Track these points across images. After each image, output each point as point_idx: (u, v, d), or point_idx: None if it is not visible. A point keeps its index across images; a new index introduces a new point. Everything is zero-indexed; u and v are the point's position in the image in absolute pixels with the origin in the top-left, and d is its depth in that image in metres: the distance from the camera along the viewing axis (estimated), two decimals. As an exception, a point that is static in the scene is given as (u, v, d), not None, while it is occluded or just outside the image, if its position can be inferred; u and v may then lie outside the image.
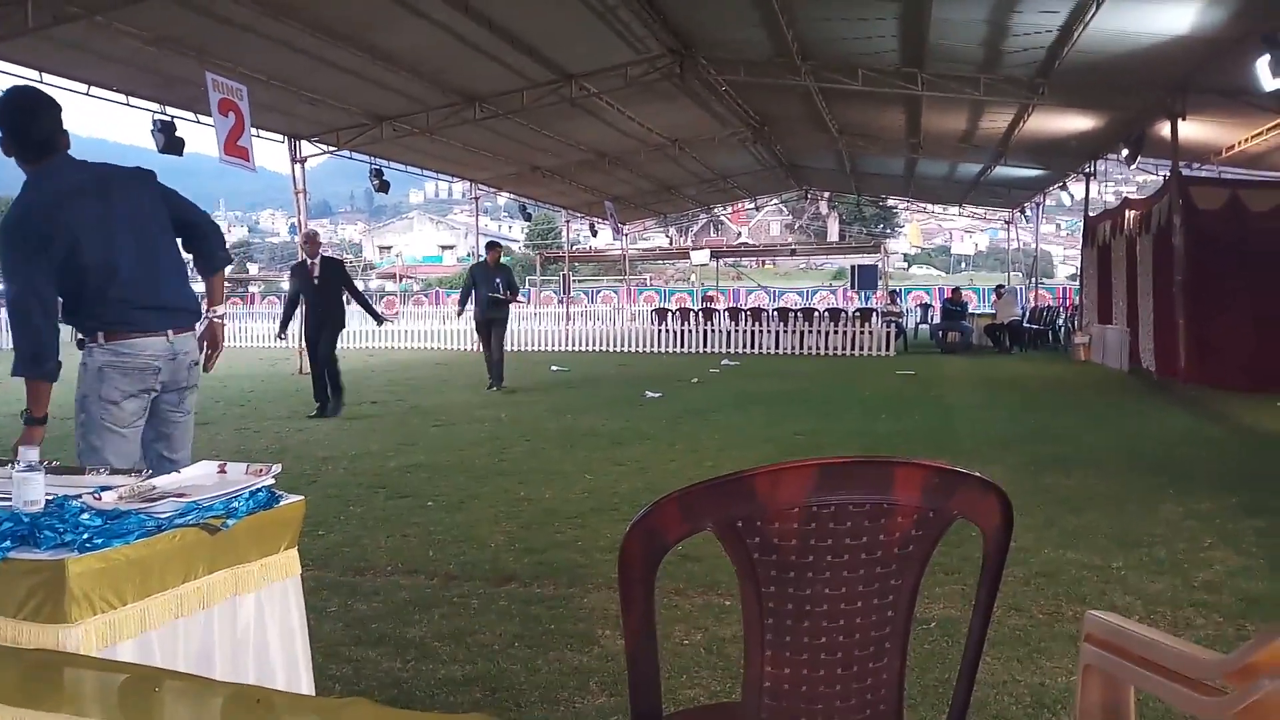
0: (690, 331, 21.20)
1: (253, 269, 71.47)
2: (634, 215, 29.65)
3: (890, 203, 35.99)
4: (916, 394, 12.33)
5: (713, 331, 21.10)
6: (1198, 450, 7.76)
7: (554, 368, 16.59)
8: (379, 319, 12.57)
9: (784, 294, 40.83)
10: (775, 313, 22.50)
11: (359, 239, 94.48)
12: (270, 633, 2.10)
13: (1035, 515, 5.23)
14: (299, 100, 13.92)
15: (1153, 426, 9.17)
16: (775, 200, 37.71)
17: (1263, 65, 9.56)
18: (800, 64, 13.49)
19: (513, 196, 24.99)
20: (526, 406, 10.91)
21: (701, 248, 39.24)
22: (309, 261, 10.19)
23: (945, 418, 10.01)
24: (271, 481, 2.12)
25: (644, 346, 21.37)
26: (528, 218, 27.10)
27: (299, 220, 17.20)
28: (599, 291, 43.80)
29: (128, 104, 13.00)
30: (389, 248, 77.47)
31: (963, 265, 73.15)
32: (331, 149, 16.80)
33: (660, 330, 21.50)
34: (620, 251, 34.02)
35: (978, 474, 1.42)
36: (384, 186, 18.11)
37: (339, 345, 10.42)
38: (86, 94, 12.27)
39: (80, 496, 1.94)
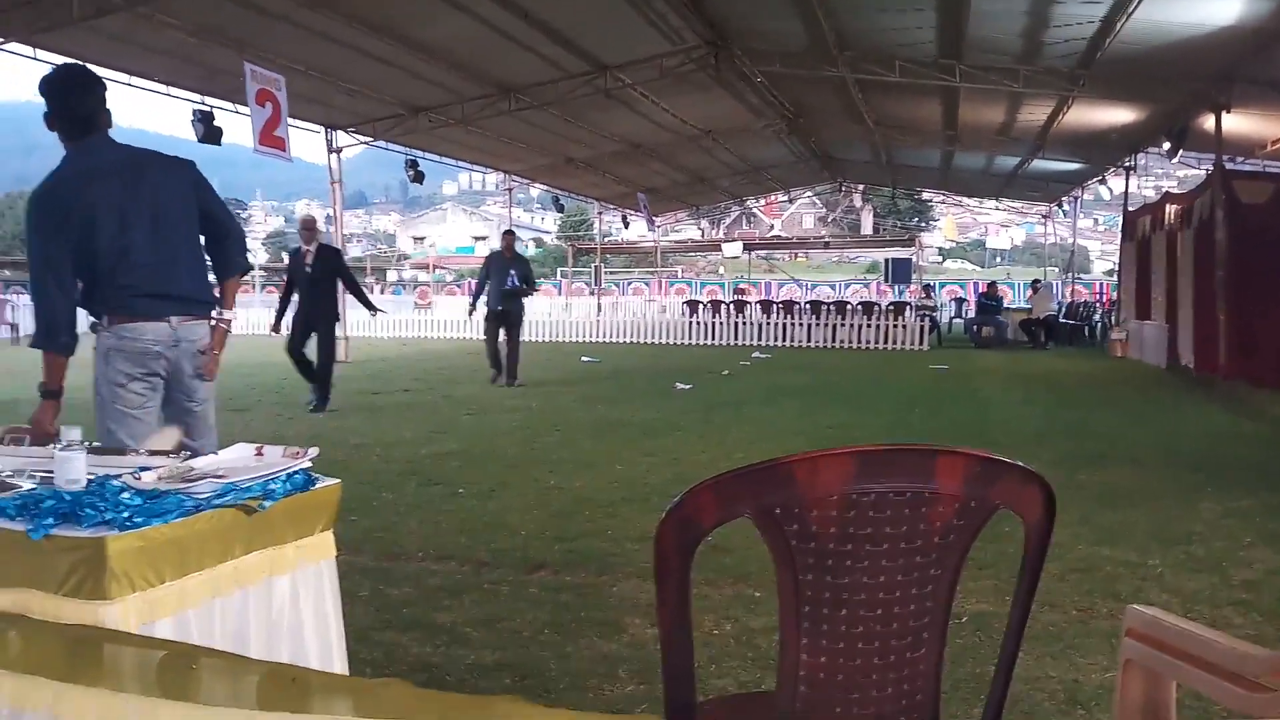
0: (721, 323, 21.15)
1: (287, 259, 72.07)
2: (666, 207, 29.60)
3: (925, 196, 35.76)
4: (950, 388, 12.23)
5: (744, 324, 21.04)
6: (1237, 447, 7.63)
7: (585, 358, 16.62)
8: (373, 309, 11.72)
9: (816, 287, 40.62)
10: (807, 305, 22.39)
11: (393, 229, 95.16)
12: (305, 614, 2.11)
13: (1071, 511, 5.17)
14: (336, 91, 14.03)
15: (1191, 423, 9.03)
16: (809, 193, 37.50)
17: (1311, 57, 9.36)
18: (837, 55, 13.38)
19: (546, 188, 25.03)
20: (557, 396, 10.93)
21: (734, 240, 39.09)
22: (303, 249, 9.60)
23: (979, 412, 9.92)
24: (309, 464, 2.13)
25: (675, 338, 21.35)
26: (560, 209, 27.11)
27: (334, 211, 17.36)
28: (630, 283, 43.80)
29: (168, 94, 13.16)
30: (423, 238, 77.89)
31: (998, 260, 72.41)
32: (368, 139, 16.91)
33: (691, 322, 21.47)
34: (652, 244, 33.98)
35: (1020, 463, 1.40)
36: (419, 177, 18.21)
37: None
38: (129, 84, 12.44)
39: (120, 476, 1.96)
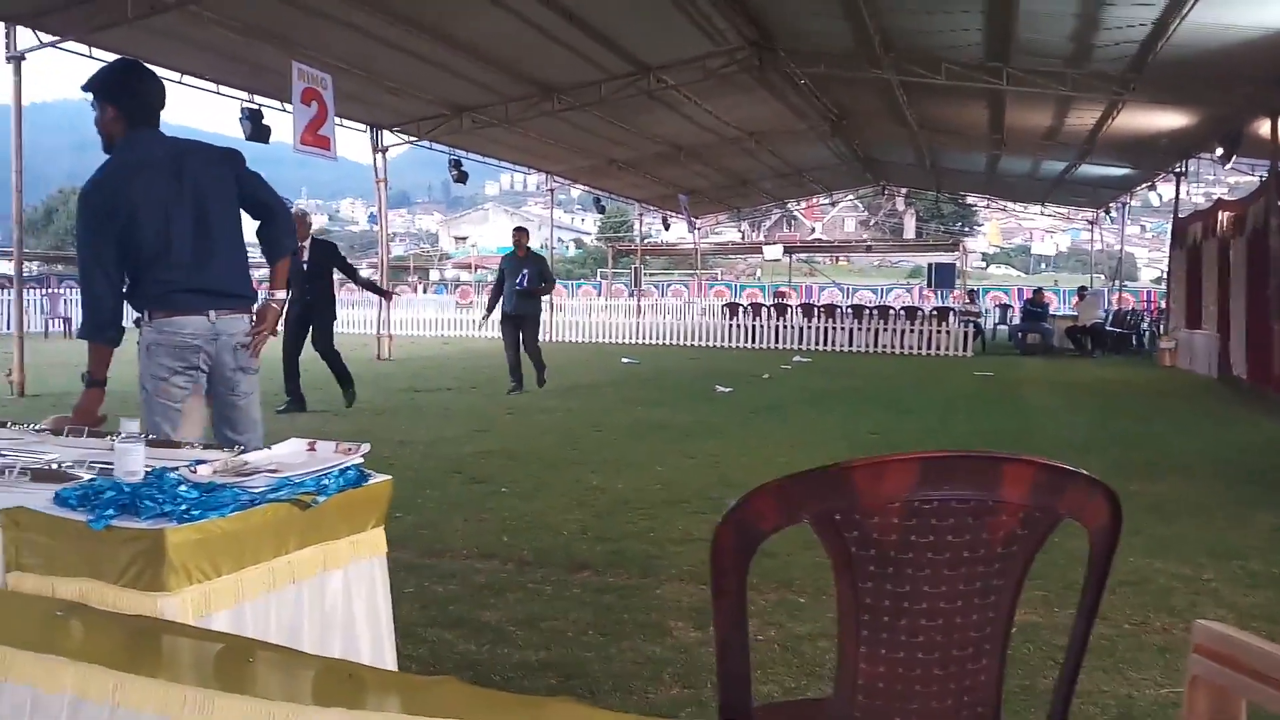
0: (761, 327, 21.06)
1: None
2: (707, 209, 29.54)
3: (969, 200, 35.33)
4: (995, 395, 12.08)
5: (784, 327, 20.93)
6: (1293, 461, 7.46)
7: (625, 360, 16.63)
8: (385, 295, 11.62)
9: (857, 291, 40.31)
10: (849, 309, 22.23)
11: (436, 229, 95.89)
12: (356, 609, 2.12)
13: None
14: (381, 90, 14.17)
15: (1244, 435, 8.85)
16: (851, 196, 37.22)
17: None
18: (882, 56, 13.27)
19: (587, 189, 25.08)
20: (597, 397, 10.94)
21: (774, 243, 38.90)
22: (298, 244, 8.74)
23: (1025, 420, 9.79)
24: (361, 460, 2.14)
25: (714, 341, 21.30)
26: (601, 210, 27.19)
27: (379, 210, 17.54)
28: (669, 285, 43.75)
29: (218, 92, 13.36)
30: (464, 238, 78.48)
31: (1043, 266, 71.50)
32: (412, 139, 17.05)
33: (731, 325, 21.40)
34: (692, 245, 33.93)
35: (1085, 472, 1.37)
36: (462, 177, 18.33)
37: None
38: (179, 82, 12.63)
39: (177, 469, 1.98)
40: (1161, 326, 19.57)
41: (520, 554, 4.46)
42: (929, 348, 19.51)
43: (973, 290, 28.18)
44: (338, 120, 12.25)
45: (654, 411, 9.70)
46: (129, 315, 3.27)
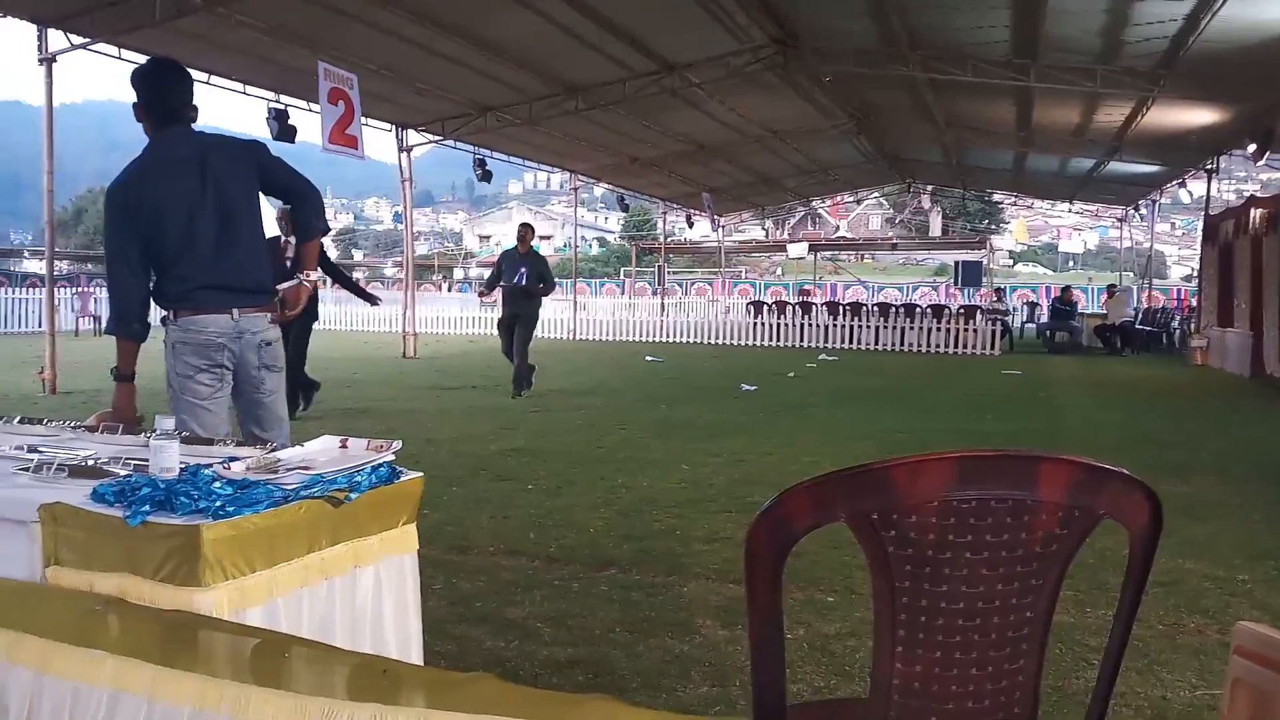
0: (786, 325, 20.99)
1: (357, 255, 73.43)
2: (731, 207, 29.48)
3: (996, 198, 35.07)
4: (1023, 394, 11.98)
5: (809, 325, 20.86)
6: (1328, 461, 7.35)
7: (648, 358, 16.62)
8: (370, 299, 11.27)
9: (882, 289, 40.13)
10: (875, 308, 22.13)
11: (459, 228, 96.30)
12: (386, 606, 2.13)
13: (1152, 522, 5.02)
14: (406, 89, 14.23)
15: (1279, 434, 8.72)
16: (876, 194, 37.06)
17: None
18: (908, 54, 13.19)
19: (611, 187, 25.09)
20: (622, 395, 10.95)
21: (799, 241, 38.80)
22: (282, 239, 8.08)
23: (1054, 419, 9.71)
24: (392, 457, 2.15)
25: (739, 339, 21.25)
26: (625, 209, 27.15)
27: (404, 209, 17.61)
28: (693, 284, 43.72)
29: (245, 93, 13.46)
30: (488, 237, 78.78)
31: (1070, 263, 70.84)
32: (437, 138, 17.12)
33: (755, 323, 21.35)
34: (716, 244, 33.89)
35: (1124, 471, 1.35)
36: (487, 176, 18.39)
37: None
38: (207, 83, 12.74)
39: (211, 466, 2.00)
40: (1192, 325, 19.34)
41: (547, 551, 4.46)
42: (956, 346, 19.38)
43: (1000, 288, 27.96)
44: (363, 120, 12.32)
45: (678, 410, 9.70)
46: (156, 313, 3.31)
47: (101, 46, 11.08)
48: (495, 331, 11.05)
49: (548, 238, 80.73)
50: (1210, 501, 5.71)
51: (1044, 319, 23.26)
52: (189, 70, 3.45)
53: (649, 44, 13.49)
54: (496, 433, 7.98)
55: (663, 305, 28.04)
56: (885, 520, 1.30)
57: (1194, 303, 21.00)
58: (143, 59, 11.18)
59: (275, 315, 3.40)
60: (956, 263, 32.84)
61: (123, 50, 11.23)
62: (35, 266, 35.56)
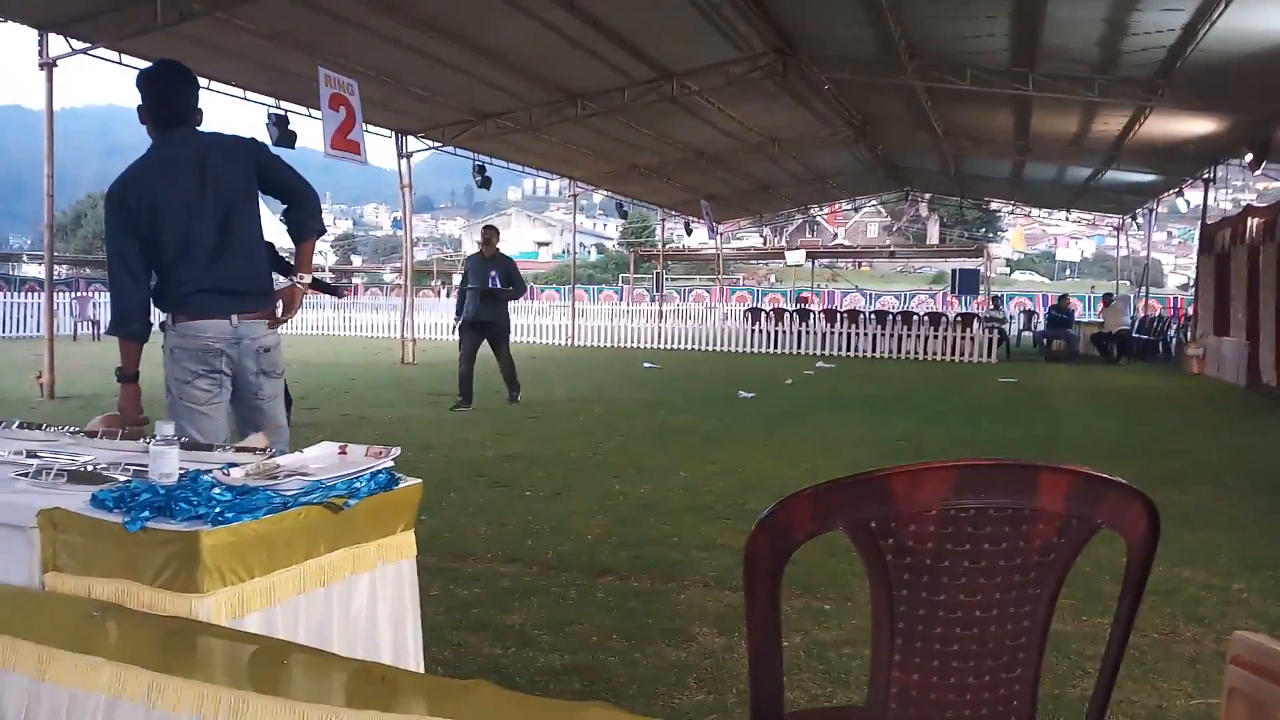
0: (784, 332, 21.02)
1: (356, 261, 73.43)
2: (729, 214, 29.50)
3: (993, 206, 35.12)
4: (1020, 402, 11.99)
5: (807, 333, 20.88)
6: (1325, 471, 7.36)
7: (646, 364, 16.63)
8: (335, 292, 11.11)
9: (880, 297, 40.18)
10: (872, 315, 22.15)
11: (458, 234, 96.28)
12: (384, 613, 2.13)
13: (1149, 531, 5.02)
14: (406, 96, 14.24)
15: (1275, 443, 8.75)
16: (874, 201, 37.11)
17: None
18: (907, 63, 13.22)
19: (609, 194, 25.09)
20: (619, 402, 10.95)
21: (797, 248, 38.84)
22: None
23: (1051, 427, 9.71)
24: (391, 464, 2.15)
25: (737, 346, 21.27)
26: (623, 215, 27.19)
27: (404, 215, 17.62)
28: (691, 290, 43.76)
29: (245, 98, 13.47)
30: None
31: (1067, 272, 70.95)
32: (436, 144, 17.13)
33: (753, 330, 21.37)
34: (714, 251, 33.92)
35: (1123, 480, 1.36)
36: (486, 183, 18.40)
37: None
38: (207, 88, 12.73)
39: (210, 471, 2.00)
40: (1189, 333, 19.38)
41: (544, 558, 4.46)
42: (953, 354, 19.41)
43: (997, 296, 27.99)
44: (364, 126, 12.32)
45: (676, 416, 9.70)
46: (156, 315, 3.31)
47: (102, 51, 11.08)
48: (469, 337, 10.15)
49: (546, 244, 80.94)
50: (1207, 510, 5.72)
51: (1041, 327, 23.29)
52: (195, 75, 3.46)
53: (649, 52, 13.51)
54: (494, 439, 7.98)
55: (661, 312, 28.05)
56: (884, 529, 1.31)
57: (1190, 312, 21.04)
58: (143, 64, 11.24)
59: (272, 320, 3.41)
60: (954, 270, 32.91)
61: (124, 55, 11.25)
62: (34, 271, 35.54)
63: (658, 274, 34.79)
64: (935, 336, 19.81)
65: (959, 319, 21.18)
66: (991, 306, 24.97)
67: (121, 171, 3.29)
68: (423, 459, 6.93)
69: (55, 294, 11.88)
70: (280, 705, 1.40)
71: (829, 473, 1.35)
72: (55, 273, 12.03)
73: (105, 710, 1.52)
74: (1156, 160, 17.66)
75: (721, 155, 20.80)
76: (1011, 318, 27.56)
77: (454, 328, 10.77)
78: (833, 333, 20.69)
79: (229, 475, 1.99)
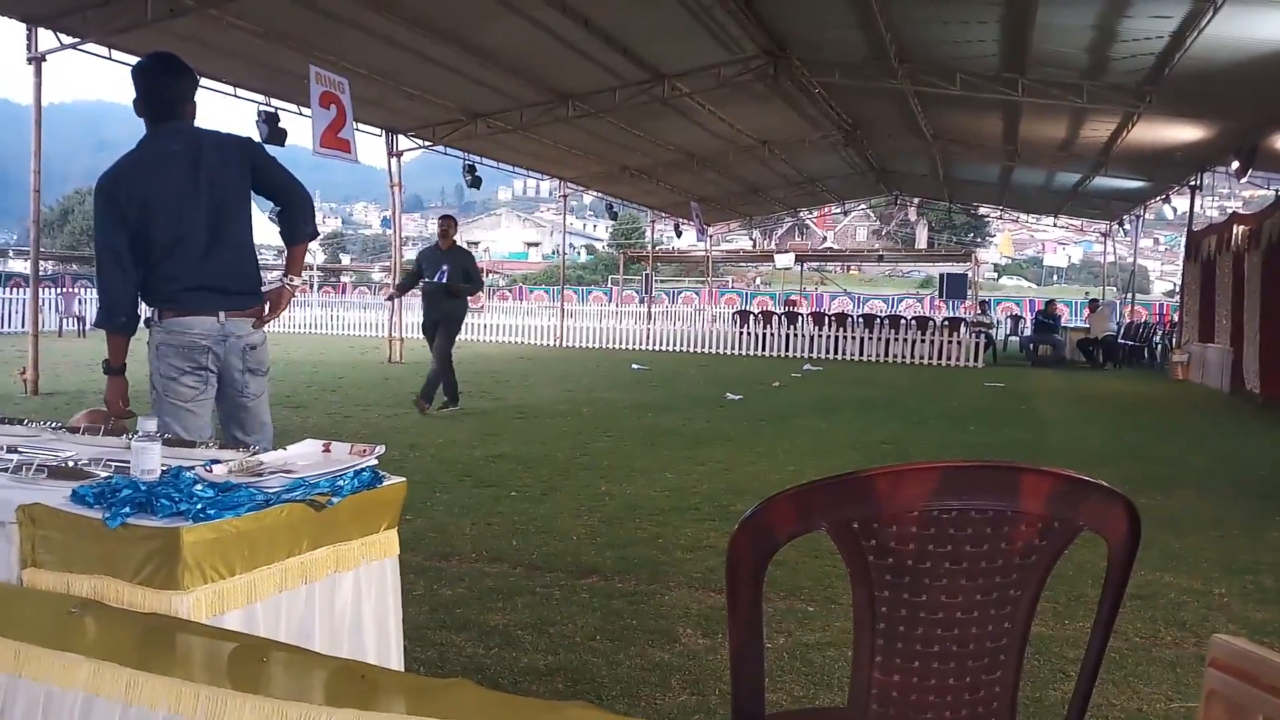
0: (772, 335, 21.04)
1: (345, 259, 73.21)
2: (719, 217, 29.54)
3: (982, 211, 35.26)
4: (1006, 406, 12.04)
5: (795, 335, 20.91)
6: (1307, 477, 7.41)
7: (635, 366, 16.62)
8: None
9: (868, 300, 40.28)
10: (860, 319, 22.20)
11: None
12: (366, 611, 2.12)
13: (1133, 536, 5.04)
14: (397, 95, 14.21)
15: (1257, 449, 8.80)
16: (863, 205, 37.19)
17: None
18: (897, 67, 13.26)
19: (600, 195, 25.09)
20: (608, 403, 10.94)
21: (786, 251, 38.88)
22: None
23: (1036, 432, 9.75)
24: (375, 461, 2.14)
25: (725, 348, 21.28)
26: (614, 216, 27.16)
27: (393, 214, 17.56)
28: (680, 292, 43.77)
29: (235, 95, 13.41)
30: (477, 243, 78.62)
31: (1054, 277, 71.26)
32: (427, 144, 17.09)
33: (741, 333, 21.39)
34: (704, 253, 33.94)
35: (1104, 483, 1.36)
36: (476, 182, 18.36)
37: None
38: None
39: (193, 468, 1.99)
40: (1174, 340, 19.48)
41: (529, 558, 4.46)
42: (940, 358, 19.46)
43: (984, 301, 28.10)
44: (355, 125, 12.28)
45: (664, 418, 9.70)
46: (143, 311, 3.28)
47: (92, 46, 11.02)
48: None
49: (536, 244, 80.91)
50: (1190, 515, 5.75)
51: (1027, 332, 23.39)
52: (191, 68, 3.43)
53: (640, 53, 13.51)
54: (481, 439, 7.96)
55: (650, 313, 28.05)
56: (866, 529, 1.31)
57: (1175, 318, 21.16)
58: (133, 59, 11.18)
59: (258, 319, 3.39)
60: (941, 275, 32.99)
61: (113, 50, 11.19)
62: (20, 266, 35.30)
63: (647, 276, 34.79)
64: (922, 340, 19.86)
65: (946, 323, 21.24)
66: (979, 311, 25.06)
67: (112, 165, 3.27)
68: (409, 458, 6.92)
69: (40, 290, 11.81)
70: (259, 703, 1.39)
71: (815, 475, 1.35)
72: (41, 268, 11.95)
73: (82, 707, 1.51)
74: (1144, 167, 17.75)
75: (712, 157, 20.82)
76: (998, 322, 27.67)
77: (390, 295, 11.93)
78: (820, 336, 20.73)
79: (211, 472, 1.98)
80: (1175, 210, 20.65)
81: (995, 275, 66.16)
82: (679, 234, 30.99)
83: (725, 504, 5.63)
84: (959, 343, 19.56)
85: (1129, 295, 28.32)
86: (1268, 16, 9.21)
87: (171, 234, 3.18)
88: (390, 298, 11.25)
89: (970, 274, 31.03)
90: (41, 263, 12.04)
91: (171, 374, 3.23)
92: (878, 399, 12.38)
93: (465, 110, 15.82)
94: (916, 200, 31.67)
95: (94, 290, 3.53)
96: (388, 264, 23.92)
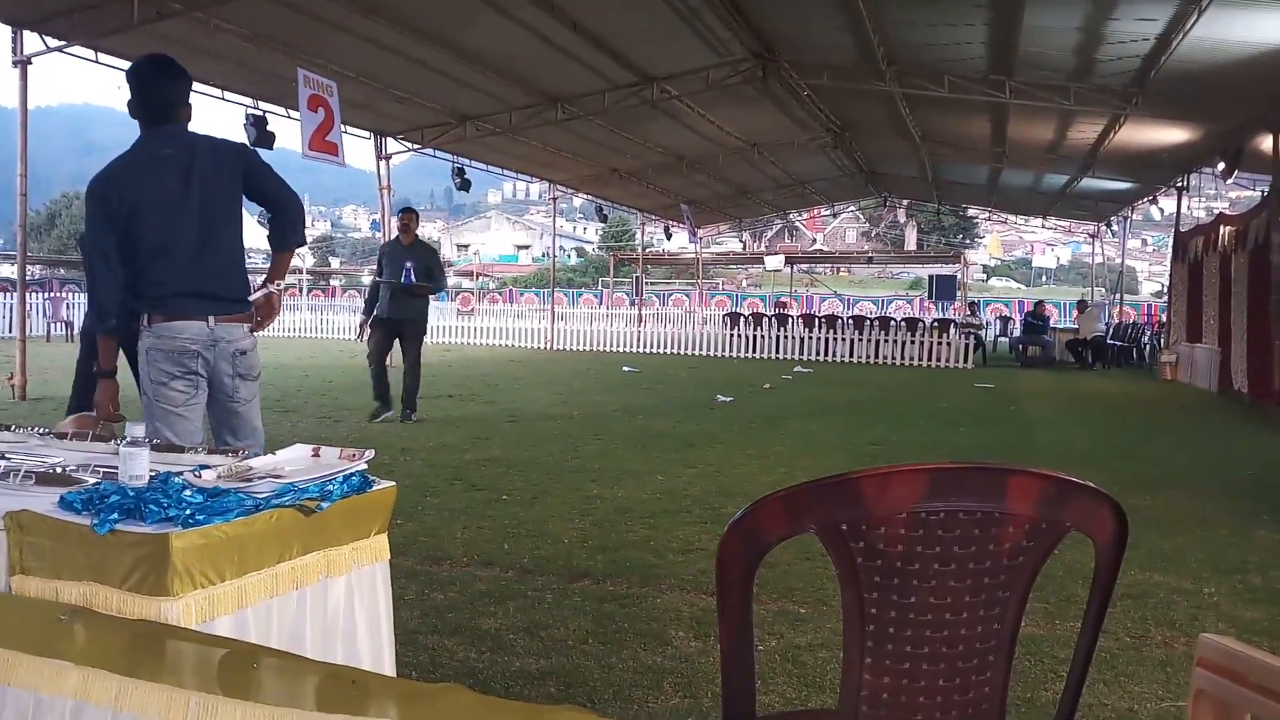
0: (762, 337, 21.07)
1: (334, 263, 73.03)
2: (709, 219, 29.56)
3: (970, 213, 35.38)
4: (996, 408, 12.07)
5: (785, 337, 20.95)
6: (1294, 476, 7.45)
7: (625, 369, 16.62)
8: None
9: (858, 302, 40.37)
10: (850, 320, 22.26)
11: (438, 236, 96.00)
12: (358, 616, 2.12)
13: (1122, 536, 5.07)
14: (386, 98, 14.18)
15: (1246, 449, 8.84)
16: (852, 207, 37.28)
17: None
18: (885, 69, 13.30)
19: (589, 198, 25.09)
20: (598, 406, 10.94)
21: (776, 253, 38.93)
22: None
23: (1026, 433, 9.79)
24: (365, 466, 2.14)
25: (715, 351, 21.30)
26: (603, 219, 27.17)
27: (382, 217, 17.53)
28: (670, 295, 43.80)
29: (223, 98, 13.37)
30: (466, 246, 78.58)
31: (1043, 278, 71.54)
32: (415, 146, 17.06)
33: (732, 335, 21.42)
34: (694, 255, 33.97)
35: (1092, 484, 1.37)
36: (465, 185, 18.32)
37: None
38: (184, 88, 12.63)
39: (181, 474, 1.98)
40: (1162, 340, 19.57)
41: (521, 562, 4.45)
42: (929, 359, 19.51)
43: (973, 302, 28.20)
44: (343, 128, 12.25)
45: (655, 420, 9.70)
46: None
47: (78, 49, 10.97)
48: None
49: (526, 247, 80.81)
50: (1178, 515, 5.78)
51: (1016, 333, 23.47)
52: (186, 71, 3.42)
53: (629, 55, 13.52)
54: (472, 442, 7.95)
55: (640, 316, 28.06)
56: (854, 531, 1.31)
57: (1164, 318, 21.26)
58: (121, 63, 11.16)
59: (252, 325, 3.39)
60: (931, 276, 33.10)
61: (100, 54, 11.14)
62: (7, 271, 35.14)
63: (637, 278, 34.78)
64: (912, 342, 19.91)
65: (935, 325, 21.30)
66: (968, 312, 25.14)
67: (104, 167, 3.25)
68: (399, 462, 6.91)
69: (28, 294, 11.74)
70: (249, 709, 1.39)
71: (805, 477, 1.36)
72: (28, 273, 11.89)
73: (71, 714, 1.50)
74: (1131, 168, 17.83)
75: (701, 160, 20.85)
76: (988, 324, 27.75)
77: (360, 329, 9.54)
78: (810, 338, 20.76)
79: (200, 477, 1.97)
80: (1162, 211, 20.76)
81: (984, 276, 66.36)
82: (669, 236, 31.04)
83: (716, 506, 5.64)
84: (948, 344, 19.62)
85: (1117, 296, 28.46)
86: (1252, 19, 9.27)
87: (161, 238, 3.17)
88: (362, 331, 9.40)
89: (959, 275, 31.11)
90: (28, 267, 11.98)
91: (162, 379, 3.22)
92: (867, 400, 12.40)
93: (454, 113, 15.80)
94: (905, 202, 31.77)
95: (82, 295, 3.50)
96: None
